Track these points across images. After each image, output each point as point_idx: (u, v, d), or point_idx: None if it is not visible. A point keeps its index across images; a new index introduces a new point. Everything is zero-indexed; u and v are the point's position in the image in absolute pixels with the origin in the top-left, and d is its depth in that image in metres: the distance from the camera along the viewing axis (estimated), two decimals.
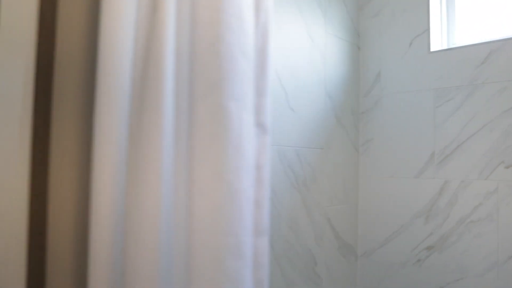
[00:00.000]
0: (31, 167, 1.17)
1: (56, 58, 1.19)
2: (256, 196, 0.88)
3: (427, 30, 1.73)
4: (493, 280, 1.52)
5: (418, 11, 1.76)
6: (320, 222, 1.70)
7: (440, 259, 1.65)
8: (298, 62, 1.61)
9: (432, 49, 1.72)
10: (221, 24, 0.81)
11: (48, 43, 1.19)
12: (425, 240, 1.70)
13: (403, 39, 1.79)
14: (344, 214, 1.83)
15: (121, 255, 1.00)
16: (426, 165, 1.71)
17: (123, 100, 1.03)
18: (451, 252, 1.63)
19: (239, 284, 0.82)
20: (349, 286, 1.84)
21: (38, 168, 1.18)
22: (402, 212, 1.77)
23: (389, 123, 1.82)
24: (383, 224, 1.82)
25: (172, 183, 0.94)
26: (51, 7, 1.19)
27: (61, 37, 1.20)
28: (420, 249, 1.71)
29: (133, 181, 0.95)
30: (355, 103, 1.91)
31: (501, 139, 1.53)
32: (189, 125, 0.83)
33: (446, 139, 1.66)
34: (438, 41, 1.74)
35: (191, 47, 0.84)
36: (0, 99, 1.11)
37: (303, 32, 1.64)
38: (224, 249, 0.80)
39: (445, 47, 1.74)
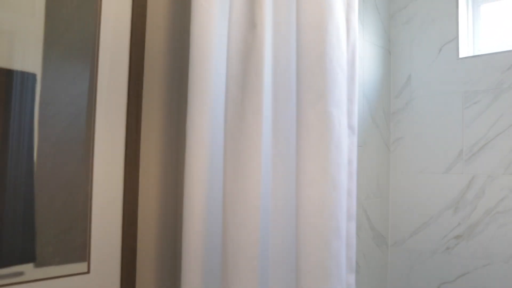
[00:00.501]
0: (125, 164, 1.35)
1: (146, 65, 1.37)
2: (349, 187, 1.06)
3: (456, 38, 1.93)
4: None
5: (447, 20, 1.96)
6: (359, 214, 1.89)
7: (467, 247, 1.86)
8: None
9: (460, 56, 1.92)
10: (326, 43, 0.99)
11: (139, 51, 1.36)
12: (454, 230, 1.90)
13: (432, 45, 2.00)
14: (377, 207, 2.02)
15: (219, 241, 1.17)
16: (455, 161, 1.92)
17: (216, 104, 1.20)
18: (478, 240, 1.84)
19: (338, 261, 1.00)
20: (382, 273, 2.04)
21: (131, 165, 1.35)
22: (432, 204, 1.98)
23: (419, 123, 2.03)
24: (413, 216, 2.02)
25: (271, 176, 1.12)
26: (141, 19, 1.36)
27: (150, 46, 1.37)
28: (449, 238, 1.92)
29: (234, 176, 1.11)
30: (387, 104, 2.10)
31: None
32: (298, 127, 1.01)
33: (474, 137, 1.87)
34: (465, 48, 1.95)
35: (298, 61, 1.01)
36: (102, 102, 1.28)
37: None
38: (329, 231, 0.98)
39: (471, 54, 1.94)
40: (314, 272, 0.98)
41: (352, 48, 1.08)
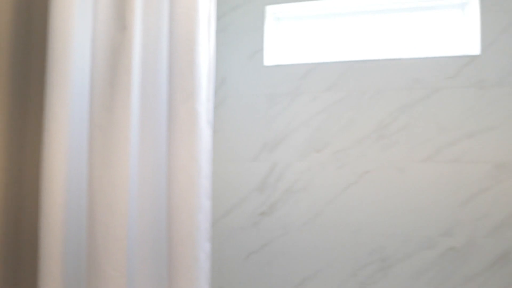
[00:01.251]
0: None
1: None
2: (207, 171, 1.30)
3: (262, 48, 2.35)
4: (307, 232, 2.25)
5: (256, 32, 2.36)
6: None
7: (270, 221, 2.31)
8: None
9: (266, 64, 2.35)
10: (195, 51, 1.21)
11: None
12: (259, 208, 2.33)
13: (244, 53, 2.38)
14: None
15: (80, 229, 1.28)
16: (260, 151, 2.34)
17: (77, 97, 1.30)
18: (278, 215, 2.30)
19: (201, 232, 1.24)
20: None
21: None
22: (241, 188, 2.36)
23: (232, 119, 2.38)
24: (226, 198, 2.38)
25: (139, 163, 1.28)
26: None
27: None
28: (255, 214, 2.33)
29: (103, 164, 1.25)
30: None
31: (314, 132, 2.27)
32: (170, 122, 1.20)
33: (275, 132, 2.32)
34: (270, 58, 2.38)
35: (171, 65, 1.20)
36: None
37: None
38: (195, 207, 1.21)
39: (274, 63, 2.39)
40: (184, 242, 1.20)
41: (212, 56, 1.32)
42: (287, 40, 2.44)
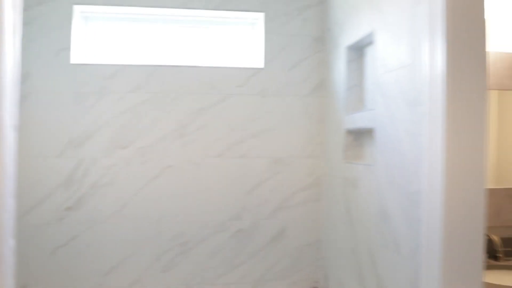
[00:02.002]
0: None
1: None
2: (11, 171, 1.42)
3: (69, 46, 2.44)
4: (114, 223, 2.45)
5: (63, 30, 2.44)
6: None
7: (77, 216, 2.44)
8: None
9: (72, 62, 2.45)
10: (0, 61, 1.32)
11: None
12: (65, 203, 2.43)
13: (51, 49, 2.42)
14: None
15: None
16: (66, 148, 2.44)
17: None
18: (85, 209, 2.44)
19: (5, 229, 1.37)
20: None
21: None
22: (46, 183, 2.43)
23: (35, 115, 2.42)
24: (30, 194, 2.41)
25: None
26: None
27: None
28: (61, 210, 2.43)
29: None
30: None
31: (118, 130, 2.46)
32: None
33: (82, 129, 2.45)
34: (77, 56, 2.49)
35: None
36: None
37: None
38: (4, 206, 1.34)
39: (82, 62, 2.50)
40: None
41: (16, 61, 1.43)
42: (95, 40, 2.58)
